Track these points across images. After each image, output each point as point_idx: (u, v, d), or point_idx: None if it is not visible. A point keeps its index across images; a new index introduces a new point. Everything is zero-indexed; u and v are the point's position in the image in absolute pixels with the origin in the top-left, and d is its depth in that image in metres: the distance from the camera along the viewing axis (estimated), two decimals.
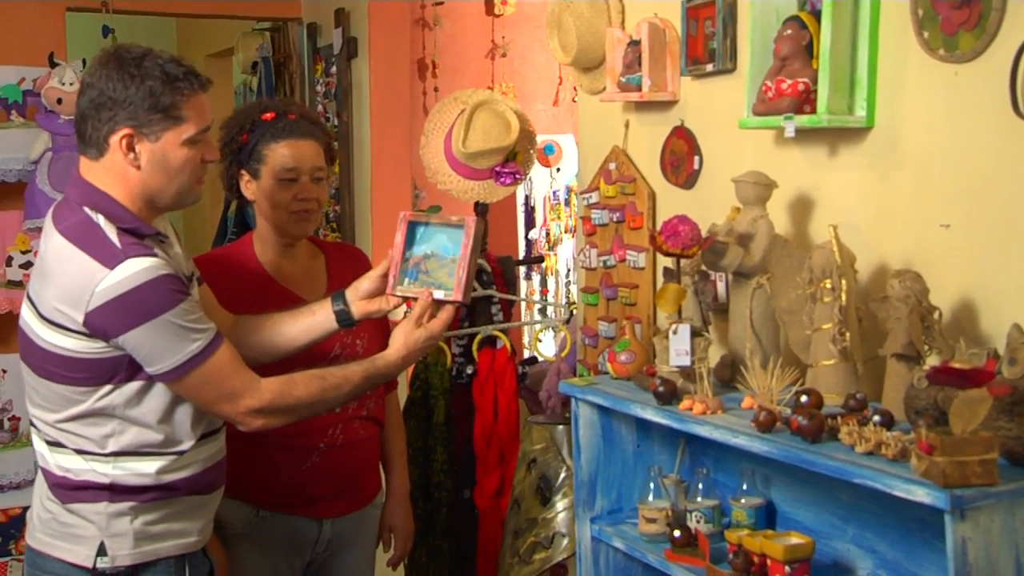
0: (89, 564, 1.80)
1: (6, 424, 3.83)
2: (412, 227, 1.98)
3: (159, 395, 1.79)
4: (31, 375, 1.83)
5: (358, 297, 2.00)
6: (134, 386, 1.77)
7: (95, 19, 4.45)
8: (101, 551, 1.80)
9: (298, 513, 2.24)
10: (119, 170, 1.78)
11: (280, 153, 2.19)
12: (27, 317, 1.81)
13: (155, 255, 1.75)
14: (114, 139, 1.75)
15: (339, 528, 2.29)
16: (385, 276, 1.98)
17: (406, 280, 1.96)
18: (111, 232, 1.74)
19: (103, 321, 1.71)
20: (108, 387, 1.76)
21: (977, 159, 1.72)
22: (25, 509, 3.81)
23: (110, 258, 1.71)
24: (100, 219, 1.75)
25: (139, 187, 1.78)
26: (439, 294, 1.92)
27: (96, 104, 1.75)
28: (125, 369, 1.76)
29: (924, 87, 1.80)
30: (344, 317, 2.00)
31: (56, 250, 1.77)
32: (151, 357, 1.74)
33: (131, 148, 1.76)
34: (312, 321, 2.02)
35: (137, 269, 1.71)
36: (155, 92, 1.74)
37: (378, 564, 2.46)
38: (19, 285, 3.81)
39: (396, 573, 2.97)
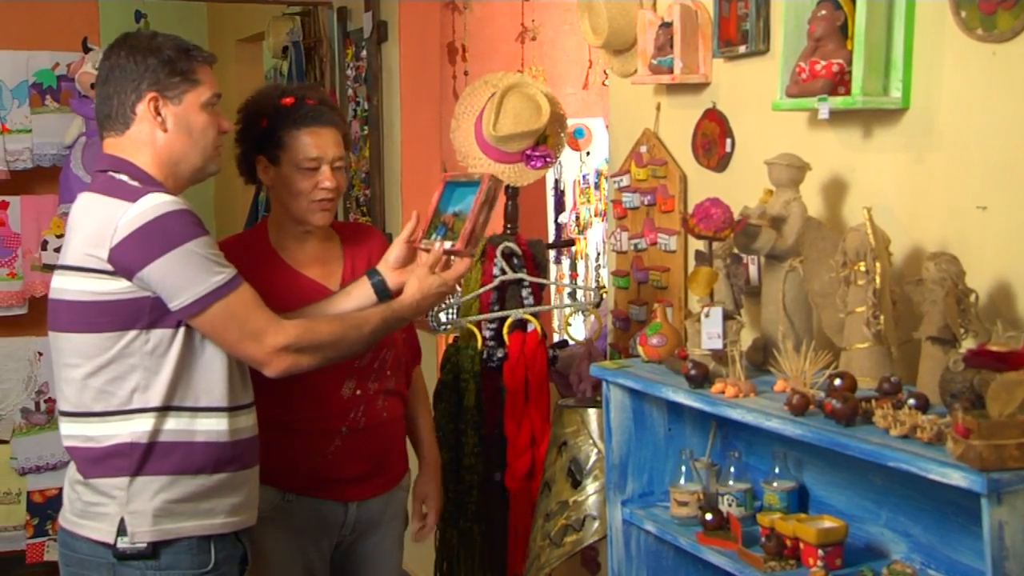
0: (110, 540, 1.82)
1: (42, 406, 3.90)
2: (450, 188, 2.06)
3: (184, 346, 1.81)
4: (59, 338, 1.85)
5: (390, 268, 2.10)
6: (158, 334, 1.80)
7: (128, 4, 4.49)
8: (121, 529, 1.81)
9: (324, 496, 2.25)
10: (145, 138, 1.86)
11: (303, 141, 2.17)
12: (55, 284, 1.87)
13: (176, 196, 1.82)
14: (141, 106, 1.85)
15: (366, 511, 2.30)
16: (409, 240, 2.07)
17: (433, 235, 2.04)
18: (134, 183, 1.82)
19: (127, 254, 1.75)
20: (133, 332, 1.79)
21: (1015, 140, 1.70)
22: (62, 491, 3.87)
23: (131, 195, 1.78)
24: (123, 176, 1.84)
25: (166, 152, 1.87)
26: (447, 244, 2.00)
27: (119, 80, 1.85)
28: (148, 313, 1.78)
29: (961, 67, 1.78)
30: (381, 288, 2.09)
31: (81, 205, 1.86)
32: (175, 289, 1.77)
33: (158, 112, 1.85)
34: (350, 301, 2.09)
35: (159, 201, 1.77)
36: (172, 59, 1.86)
37: (406, 546, 2.47)
38: (54, 269, 3.86)
39: (426, 555, 3.00)
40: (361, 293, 2.10)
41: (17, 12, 3.84)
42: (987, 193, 1.75)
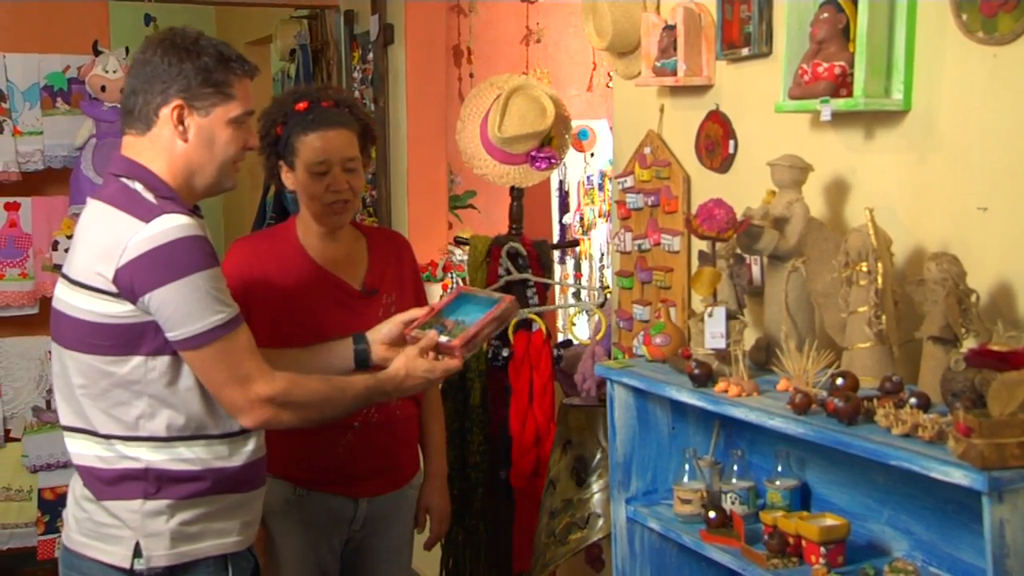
0: (126, 565, 1.77)
1: (53, 404, 3.92)
2: (462, 299, 2.07)
3: (190, 375, 1.76)
4: (62, 353, 1.80)
5: (379, 340, 2.06)
6: (163, 361, 1.74)
7: (137, 8, 4.53)
8: (137, 552, 1.77)
9: (335, 492, 2.27)
10: (164, 144, 1.79)
11: (310, 145, 2.19)
12: (59, 293, 1.81)
13: (191, 216, 1.75)
14: (165, 111, 1.77)
15: (376, 507, 2.32)
16: (408, 324, 2.05)
17: (427, 329, 2.02)
18: (148, 195, 1.74)
19: (133, 276, 1.68)
20: (138, 359, 1.73)
21: (1015, 142, 1.71)
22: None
23: (146, 213, 1.71)
24: (138, 186, 1.76)
25: (182, 162, 1.79)
26: (443, 339, 1.98)
27: (149, 78, 1.77)
28: (151, 339, 1.73)
29: (962, 70, 1.79)
30: (362, 357, 2.06)
31: (91, 214, 1.78)
32: (174, 320, 1.70)
33: (181, 120, 1.77)
34: (329, 359, 2.07)
35: (172, 225, 1.70)
36: (209, 68, 1.77)
37: (415, 544, 2.49)
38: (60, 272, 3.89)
39: (433, 553, 3.02)
40: (341, 353, 2.07)
41: (28, 16, 3.88)
42: (988, 194, 1.76)
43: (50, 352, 3.92)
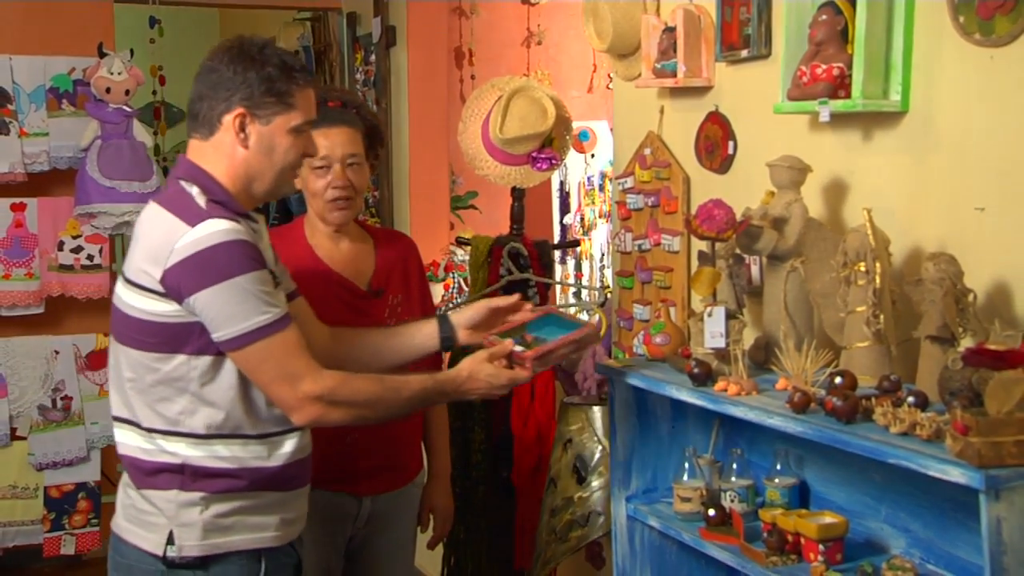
0: (159, 552, 1.81)
1: (59, 403, 3.94)
2: (548, 318, 2.06)
3: (232, 373, 1.80)
4: (115, 346, 1.86)
5: (463, 324, 2.07)
6: (205, 360, 1.78)
7: (142, 10, 4.56)
8: (170, 540, 1.81)
9: (338, 489, 2.28)
10: (226, 150, 1.83)
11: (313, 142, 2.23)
12: (117, 290, 1.86)
13: (237, 222, 1.79)
14: (227, 118, 1.82)
15: (379, 505, 2.33)
16: (495, 311, 2.05)
17: (507, 338, 2.00)
18: (200, 200, 1.79)
19: (178, 278, 1.73)
20: (182, 357, 1.78)
21: (1012, 142, 1.73)
22: (78, 486, 3.96)
23: (193, 217, 1.76)
24: (194, 189, 1.80)
25: (243, 168, 1.83)
26: (518, 348, 1.96)
27: (215, 85, 1.82)
28: (197, 338, 1.77)
29: (959, 71, 1.80)
30: (448, 343, 2.08)
31: (147, 215, 1.84)
32: (218, 321, 1.74)
33: (242, 128, 1.82)
34: (411, 341, 2.08)
35: (215, 229, 1.74)
36: (272, 78, 1.81)
37: (418, 542, 2.51)
38: (70, 269, 3.92)
39: (434, 550, 3.04)
40: (424, 336, 2.07)
41: (34, 18, 3.90)
42: (985, 194, 1.77)
43: (57, 351, 3.98)
